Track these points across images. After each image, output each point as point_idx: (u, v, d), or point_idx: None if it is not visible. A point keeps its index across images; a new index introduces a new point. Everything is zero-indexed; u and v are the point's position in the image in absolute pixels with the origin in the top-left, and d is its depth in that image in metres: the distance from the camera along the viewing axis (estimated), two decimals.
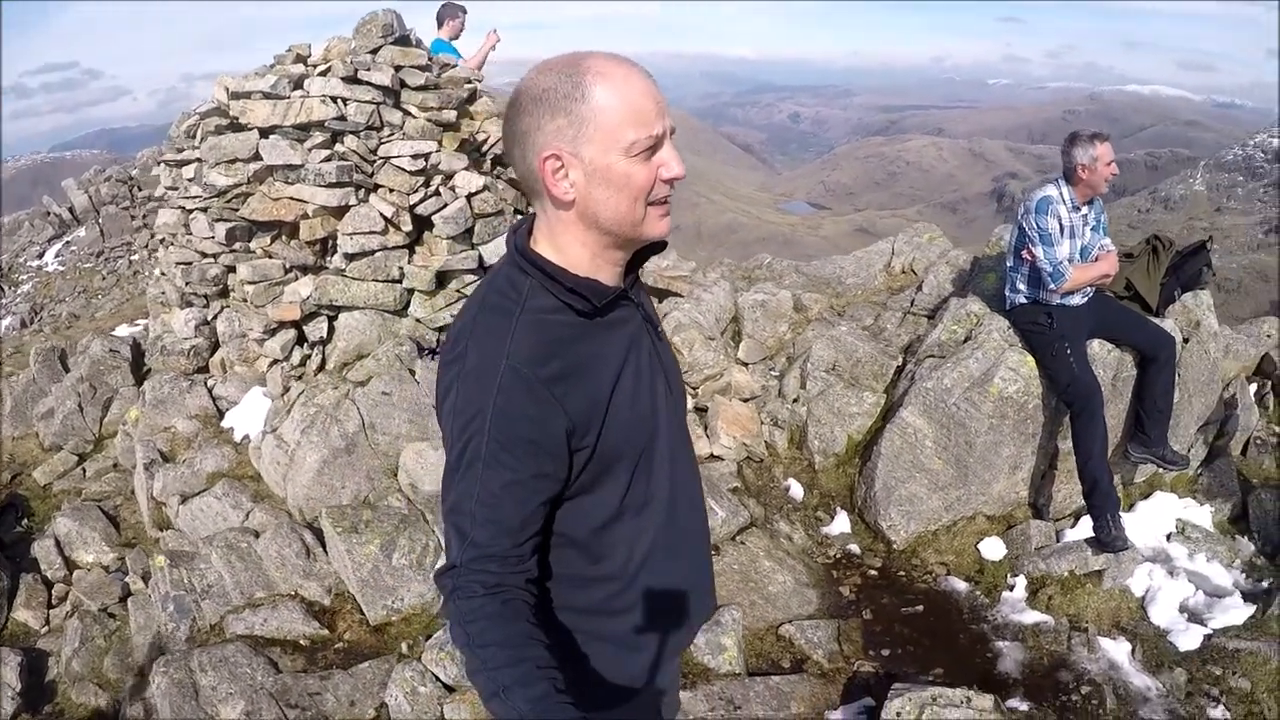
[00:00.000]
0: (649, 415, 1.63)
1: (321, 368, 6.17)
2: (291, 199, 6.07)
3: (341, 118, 5.97)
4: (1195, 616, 4.50)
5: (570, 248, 1.54)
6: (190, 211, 6.55)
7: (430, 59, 6.39)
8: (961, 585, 4.83)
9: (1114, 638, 4.32)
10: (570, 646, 1.67)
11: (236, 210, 6.27)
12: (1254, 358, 6.29)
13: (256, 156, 6.15)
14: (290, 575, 4.84)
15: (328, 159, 5.96)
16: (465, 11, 7.54)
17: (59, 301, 16.85)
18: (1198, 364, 5.37)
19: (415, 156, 6.00)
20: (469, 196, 6.11)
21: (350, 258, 6.02)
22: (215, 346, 6.87)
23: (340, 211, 6.01)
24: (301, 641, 4.51)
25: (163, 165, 7.23)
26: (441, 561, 1.66)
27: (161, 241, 7.10)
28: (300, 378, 6.15)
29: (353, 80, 6.05)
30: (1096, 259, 4.80)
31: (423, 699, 3.86)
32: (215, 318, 6.81)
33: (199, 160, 6.57)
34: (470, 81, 6.63)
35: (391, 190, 6.00)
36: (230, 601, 4.76)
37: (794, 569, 4.88)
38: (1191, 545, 4.95)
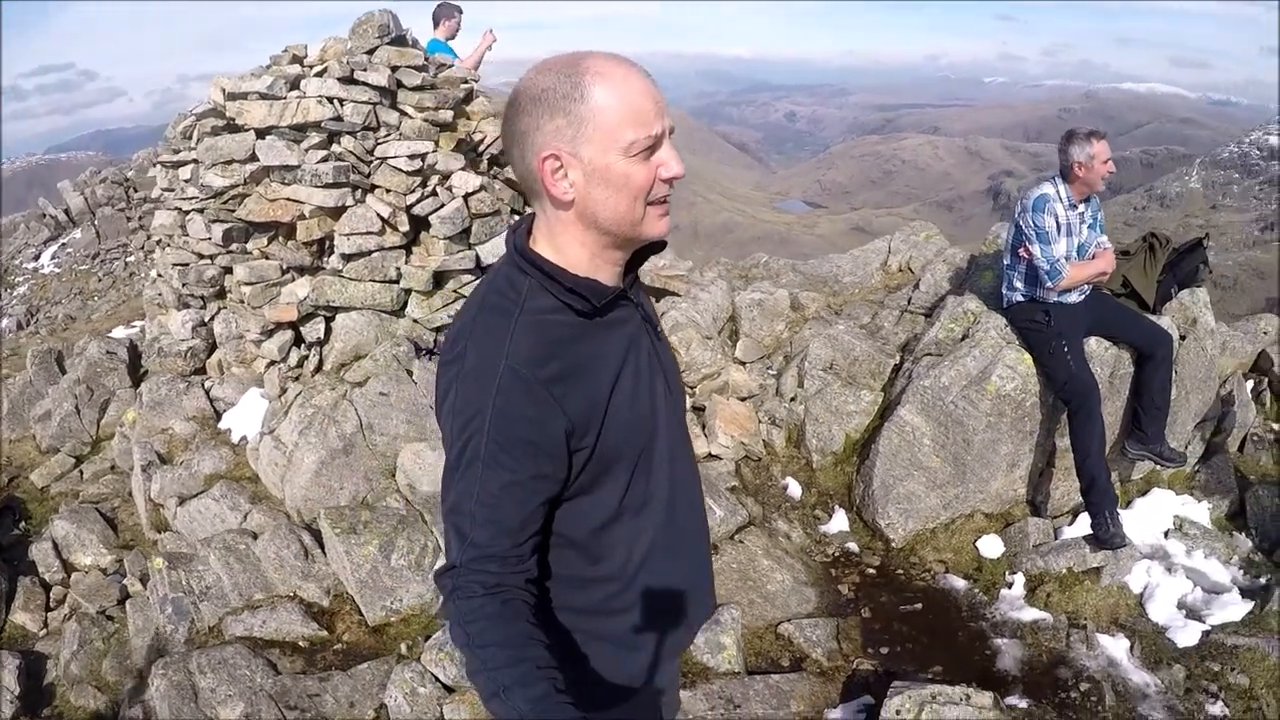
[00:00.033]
0: (648, 415, 1.63)
1: (319, 369, 6.16)
2: (288, 200, 6.06)
3: (338, 118, 5.96)
4: (1193, 613, 4.51)
5: (569, 248, 1.53)
6: (187, 213, 6.54)
7: (427, 59, 6.39)
8: (960, 583, 4.83)
9: (1112, 634, 4.32)
10: (570, 646, 1.67)
11: (233, 211, 6.26)
12: (1251, 354, 6.30)
13: (253, 157, 6.14)
14: (289, 576, 4.83)
15: (324, 160, 5.95)
16: (461, 11, 7.54)
17: (55, 303, 16.82)
18: (1195, 361, 5.38)
19: (412, 157, 5.99)
20: (466, 197, 6.10)
21: (347, 258, 6.02)
22: (212, 348, 6.86)
23: (337, 212, 6.01)
24: (300, 643, 4.50)
25: (159, 166, 7.22)
26: (441, 562, 1.66)
27: (158, 243, 7.08)
28: (298, 379, 6.15)
29: (349, 81, 6.04)
30: (1093, 257, 4.80)
31: (422, 700, 3.86)
32: (212, 319, 6.80)
33: (195, 161, 6.56)
34: (467, 81, 6.62)
35: (388, 191, 5.99)
36: (229, 603, 4.76)
37: (792, 568, 4.88)
38: (1189, 542, 4.96)
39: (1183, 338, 5.30)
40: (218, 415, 6.42)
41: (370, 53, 6.17)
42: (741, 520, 5.04)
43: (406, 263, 6.10)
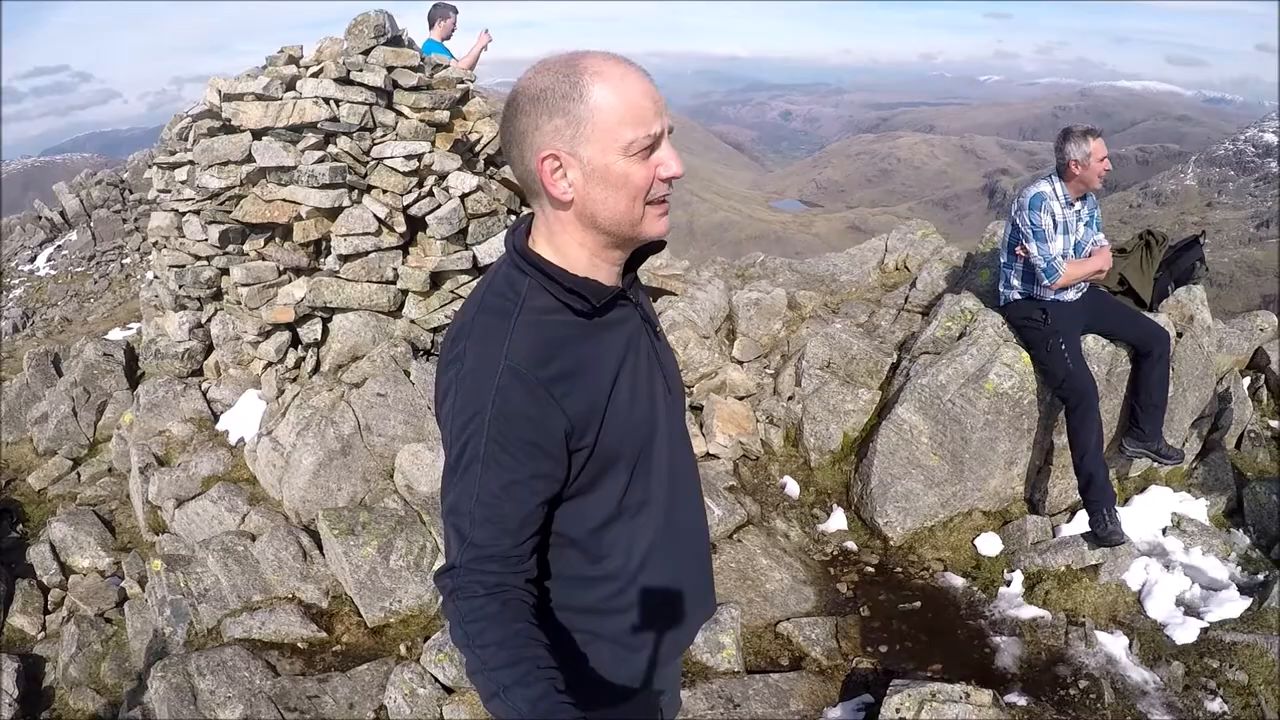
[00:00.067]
0: (648, 415, 1.63)
1: (316, 370, 6.16)
2: (284, 201, 6.05)
3: (334, 119, 5.96)
4: (1192, 610, 4.51)
5: (569, 248, 1.53)
6: (183, 214, 6.53)
7: (423, 59, 6.38)
8: (958, 581, 4.84)
9: (1111, 632, 4.33)
10: (570, 646, 1.67)
11: (229, 213, 6.25)
12: (1247, 351, 6.31)
13: (249, 158, 6.13)
14: (287, 578, 4.83)
15: (321, 160, 5.94)
16: (456, 11, 7.53)
17: (51, 306, 16.77)
18: (1191, 358, 5.39)
19: (408, 157, 5.99)
20: (462, 197, 6.10)
21: (344, 259, 6.01)
22: (209, 349, 6.85)
23: (333, 213, 6.00)
24: (299, 644, 4.50)
25: (155, 168, 7.21)
26: (440, 562, 1.66)
27: (154, 245, 7.07)
28: (295, 380, 6.14)
29: (345, 81, 6.04)
30: (1090, 254, 4.81)
31: (422, 700, 3.85)
32: (209, 321, 6.79)
33: (191, 163, 6.55)
34: (463, 82, 6.62)
35: (385, 191, 5.99)
36: (227, 605, 4.75)
37: (791, 566, 4.88)
38: (1187, 539, 4.97)
39: (1179, 335, 5.31)
40: (215, 417, 6.41)
41: (366, 53, 6.17)
42: (740, 519, 5.04)
43: (403, 263, 6.09)
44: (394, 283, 6.09)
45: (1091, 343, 5.02)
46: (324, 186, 5.91)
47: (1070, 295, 4.82)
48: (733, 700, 3.82)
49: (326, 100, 5.98)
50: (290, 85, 6.20)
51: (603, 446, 1.53)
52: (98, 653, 5.15)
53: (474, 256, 6.16)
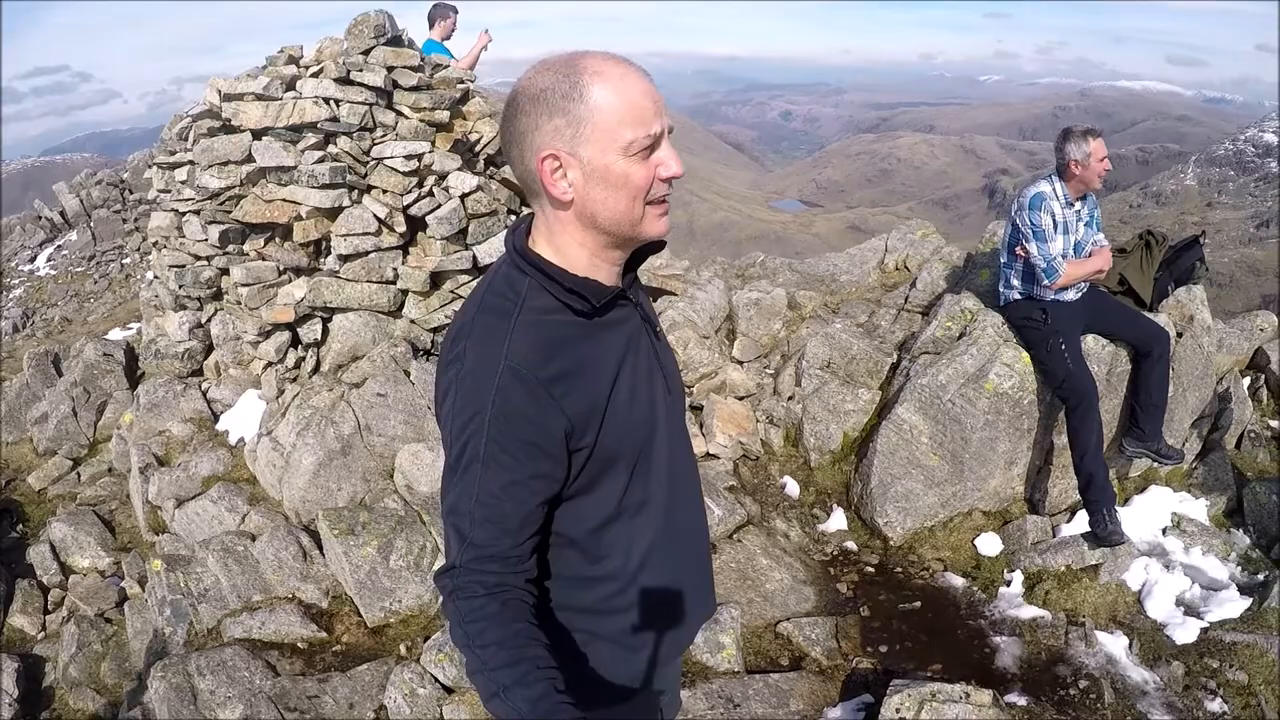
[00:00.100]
0: (648, 415, 1.62)
1: (316, 370, 6.16)
2: (284, 201, 6.05)
3: (334, 119, 5.96)
4: (1192, 610, 4.51)
5: (569, 248, 1.53)
6: (183, 214, 6.53)
7: (422, 59, 6.38)
8: (958, 581, 4.84)
9: (1111, 632, 4.33)
10: (570, 646, 1.67)
11: (229, 213, 6.25)
12: (1247, 351, 6.31)
13: (249, 158, 6.14)
14: (287, 578, 4.83)
15: (321, 160, 5.94)
16: (456, 11, 7.53)
17: (51, 305, 16.77)
18: (1191, 358, 5.39)
19: (408, 157, 5.99)
20: (462, 197, 6.10)
21: (344, 259, 6.01)
22: (209, 349, 6.85)
23: (333, 213, 6.00)
24: (299, 644, 4.50)
25: (155, 168, 7.21)
26: (440, 562, 1.66)
27: (154, 245, 7.07)
28: (295, 380, 6.14)
29: (345, 81, 6.04)
30: (1090, 254, 4.81)
31: (422, 701, 3.85)
32: (209, 321, 6.79)
33: (191, 163, 6.55)
34: (463, 82, 6.62)
35: (385, 191, 5.99)
36: (227, 605, 4.75)
37: (791, 566, 4.88)
38: (1187, 539, 4.97)
39: (1179, 335, 5.31)
40: (215, 417, 6.42)
41: (366, 53, 6.17)
42: (740, 519, 5.04)
43: (403, 263, 6.10)
44: (394, 283, 6.09)
45: (1091, 343, 5.02)
46: (324, 186, 5.91)
47: (1070, 295, 4.82)
48: (733, 700, 3.82)
49: (326, 100, 5.98)
50: (290, 85, 6.20)
51: (602, 446, 1.53)
52: (98, 653, 5.15)
53: (474, 256, 6.16)
